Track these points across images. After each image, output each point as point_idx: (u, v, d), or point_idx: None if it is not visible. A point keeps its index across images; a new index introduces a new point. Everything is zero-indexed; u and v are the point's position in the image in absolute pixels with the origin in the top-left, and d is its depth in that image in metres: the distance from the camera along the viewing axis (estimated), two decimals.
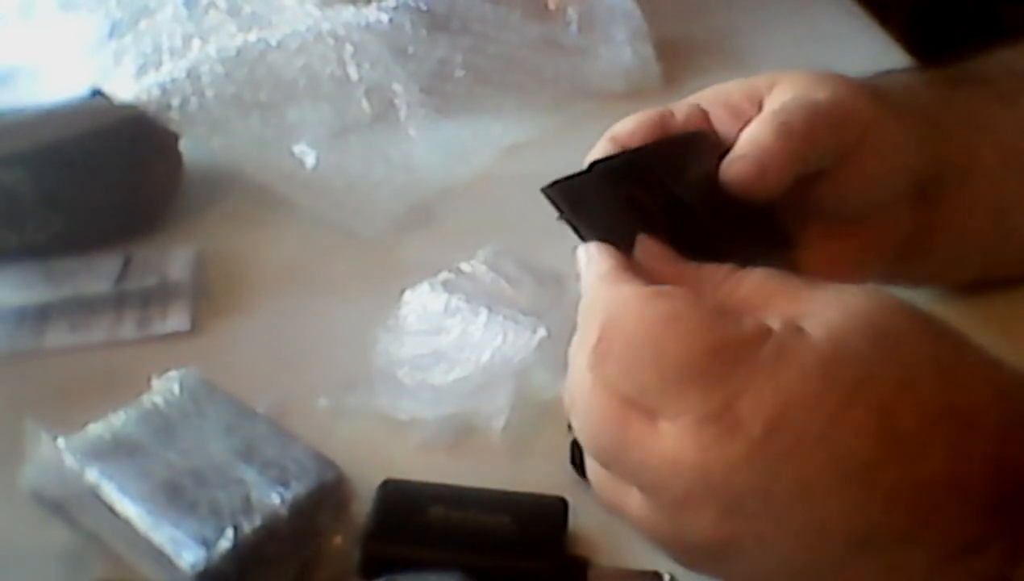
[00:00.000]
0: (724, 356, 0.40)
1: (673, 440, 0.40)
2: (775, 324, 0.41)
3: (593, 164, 0.51)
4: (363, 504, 0.52)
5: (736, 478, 0.39)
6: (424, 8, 0.86)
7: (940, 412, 0.39)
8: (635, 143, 0.52)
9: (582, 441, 0.44)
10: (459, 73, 0.86)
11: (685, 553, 0.42)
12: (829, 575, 0.40)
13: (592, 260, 0.46)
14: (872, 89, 0.55)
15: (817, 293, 0.42)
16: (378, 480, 0.53)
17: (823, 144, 0.52)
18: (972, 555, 0.38)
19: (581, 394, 0.43)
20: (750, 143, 0.51)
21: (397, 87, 0.82)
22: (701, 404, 0.39)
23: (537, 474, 0.56)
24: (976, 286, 0.64)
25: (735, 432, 0.38)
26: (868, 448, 0.38)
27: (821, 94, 0.53)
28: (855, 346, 0.40)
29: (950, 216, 0.58)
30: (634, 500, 0.42)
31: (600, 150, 0.52)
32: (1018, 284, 0.64)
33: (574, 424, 0.44)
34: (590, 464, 0.45)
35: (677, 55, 0.94)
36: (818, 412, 0.38)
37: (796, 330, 0.40)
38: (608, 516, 0.45)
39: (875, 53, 0.94)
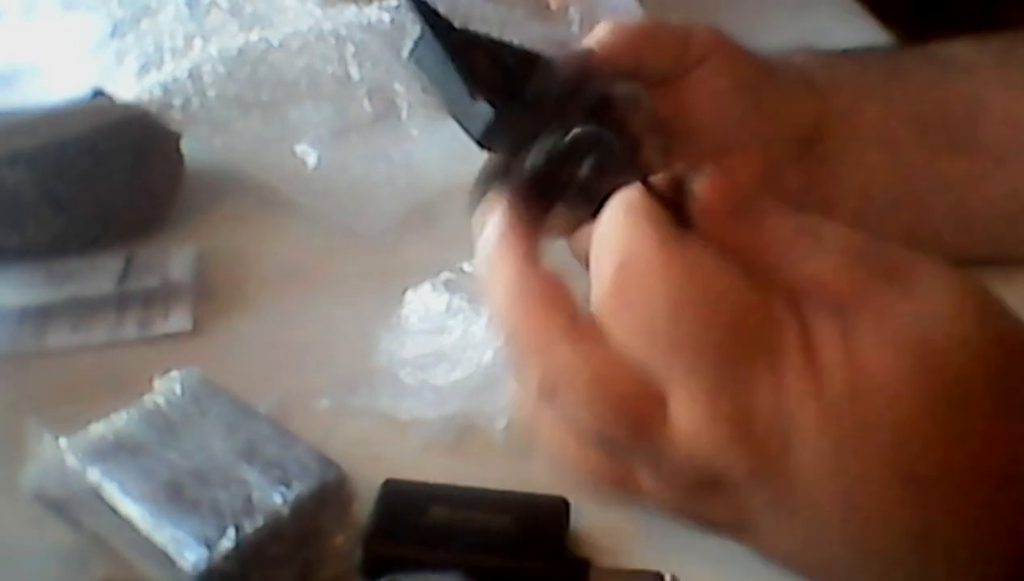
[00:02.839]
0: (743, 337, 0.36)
1: (688, 420, 0.36)
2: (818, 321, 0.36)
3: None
4: (365, 504, 0.52)
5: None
6: None
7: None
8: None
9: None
10: None
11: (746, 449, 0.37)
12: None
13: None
14: (744, 47, 0.61)
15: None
16: (380, 480, 0.53)
17: (659, 44, 0.58)
18: None
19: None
20: (590, 37, 0.57)
21: (399, 87, 0.82)
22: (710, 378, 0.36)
23: (539, 474, 0.56)
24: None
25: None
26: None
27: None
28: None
29: (846, 174, 0.62)
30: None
31: None
32: (1014, 283, 0.64)
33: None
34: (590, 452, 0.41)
35: None
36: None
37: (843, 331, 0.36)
38: (609, 516, 0.45)
39: None
